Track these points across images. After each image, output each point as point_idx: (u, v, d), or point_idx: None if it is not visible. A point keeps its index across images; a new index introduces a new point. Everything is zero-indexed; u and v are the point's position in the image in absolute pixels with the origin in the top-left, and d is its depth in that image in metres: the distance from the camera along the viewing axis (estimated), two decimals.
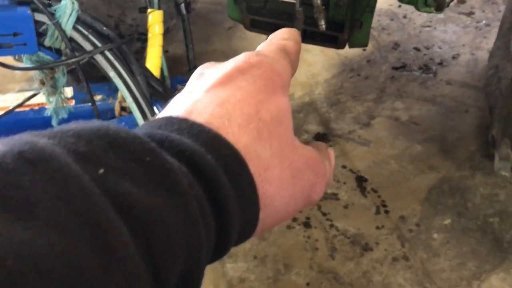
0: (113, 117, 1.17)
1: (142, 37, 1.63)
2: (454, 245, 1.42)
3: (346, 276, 1.36)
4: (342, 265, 1.38)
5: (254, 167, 0.31)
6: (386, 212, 1.51)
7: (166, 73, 1.10)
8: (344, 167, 1.64)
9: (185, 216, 0.26)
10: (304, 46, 1.68)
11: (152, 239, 0.24)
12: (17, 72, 1.52)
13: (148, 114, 0.95)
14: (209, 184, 0.28)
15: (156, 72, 1.07)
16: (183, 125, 0.30)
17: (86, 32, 0.88)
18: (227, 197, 0.29)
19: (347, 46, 1.48)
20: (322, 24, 1.22)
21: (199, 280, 0.28)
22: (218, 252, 0.31)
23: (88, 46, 0.89)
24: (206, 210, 0.28)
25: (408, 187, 1.58)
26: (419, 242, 1.43)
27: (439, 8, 0.96)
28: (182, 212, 0.26)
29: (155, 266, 0.24)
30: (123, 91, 0.95)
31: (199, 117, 0.31)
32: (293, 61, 0.38)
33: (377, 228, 1.47)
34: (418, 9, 1.05)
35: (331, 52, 2.01)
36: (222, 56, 2.04)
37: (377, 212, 1.51)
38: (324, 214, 1.50)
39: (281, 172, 0.32)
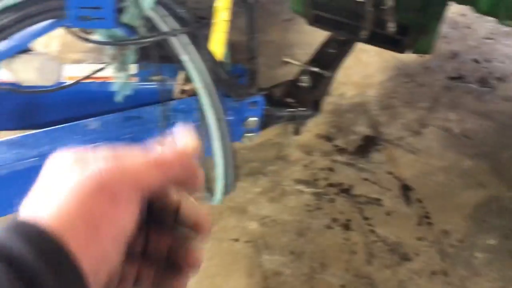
0: (171, 98, 1.18)
1: (201, 21, 1.64)
2: (498, 267, 1.38)
3: (382, 284, 1.34)
4: (379, 272, 1.37)
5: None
6: (429, 224, 1.48)
7: (228, 60, 1.11)
8: (390, 173, 1.61)
9: None
10: (361, 46, 1.65)
11: None
12: (77, 43, 1.55)
13: (216, 101, 0.96)
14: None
15: (219, 58, 1.08)
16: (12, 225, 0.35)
17: (164, 13, 0.89)
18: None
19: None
20: (392, 26, 1.20)
21: None
22: None
23: (164, 27, 0.90)
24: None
25: (454, 201, 1.54)
26: (460, 259, 1.40)
27: None
28: None
29: None
30: (194, 76, 0.96)
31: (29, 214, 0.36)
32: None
33: (418, 239, 1.44)
34: (500, 21, 1.01)
35: (387, 54, 1.97)
36: (277, 48, 2.03)
37: (420, 223, 1.48)
38: (366, 219, 1.49)
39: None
